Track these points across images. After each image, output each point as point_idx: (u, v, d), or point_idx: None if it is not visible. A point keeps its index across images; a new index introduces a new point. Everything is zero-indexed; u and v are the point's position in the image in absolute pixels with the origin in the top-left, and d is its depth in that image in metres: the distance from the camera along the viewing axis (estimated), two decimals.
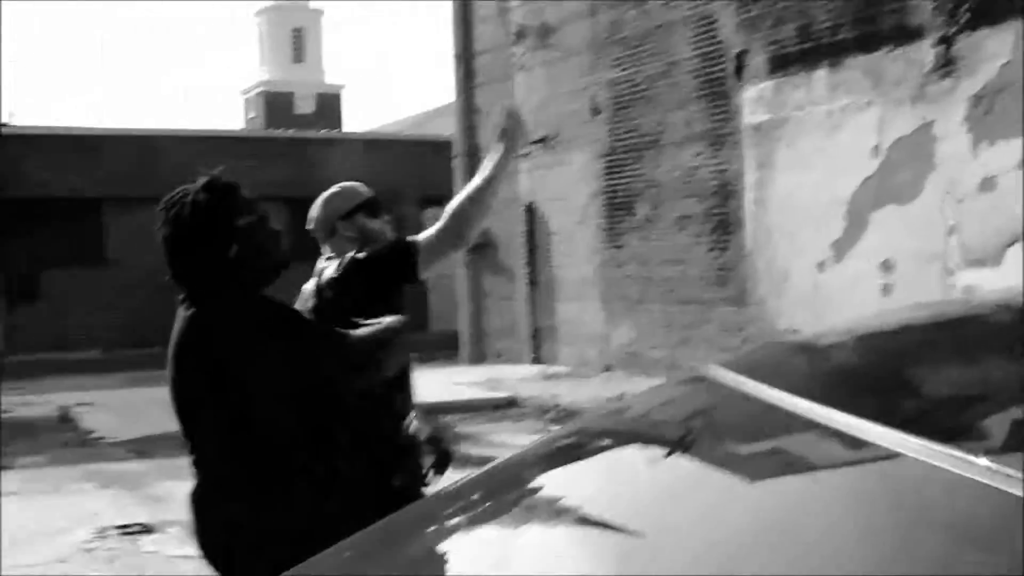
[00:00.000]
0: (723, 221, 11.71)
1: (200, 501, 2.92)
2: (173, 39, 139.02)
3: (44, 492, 7.90)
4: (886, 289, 9.70)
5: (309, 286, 3.91)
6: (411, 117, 40.40)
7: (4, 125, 23.15)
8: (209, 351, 2.83)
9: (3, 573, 5.88)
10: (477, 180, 3.88)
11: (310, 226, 4.04)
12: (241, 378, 2.80)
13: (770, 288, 11.04)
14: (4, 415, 12.03)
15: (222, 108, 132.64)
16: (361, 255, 3.77)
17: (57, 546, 6.47)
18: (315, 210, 4.05)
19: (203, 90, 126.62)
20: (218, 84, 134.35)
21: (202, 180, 2.93)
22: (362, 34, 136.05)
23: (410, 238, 3.75)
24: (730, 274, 11.60)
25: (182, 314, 2.91)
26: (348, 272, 3.72)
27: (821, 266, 10.36)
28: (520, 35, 15.26)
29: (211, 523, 2.89)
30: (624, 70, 13.17)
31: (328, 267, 3.92)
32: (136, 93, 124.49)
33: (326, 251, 4.02)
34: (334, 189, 4.07)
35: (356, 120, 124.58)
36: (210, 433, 2.88)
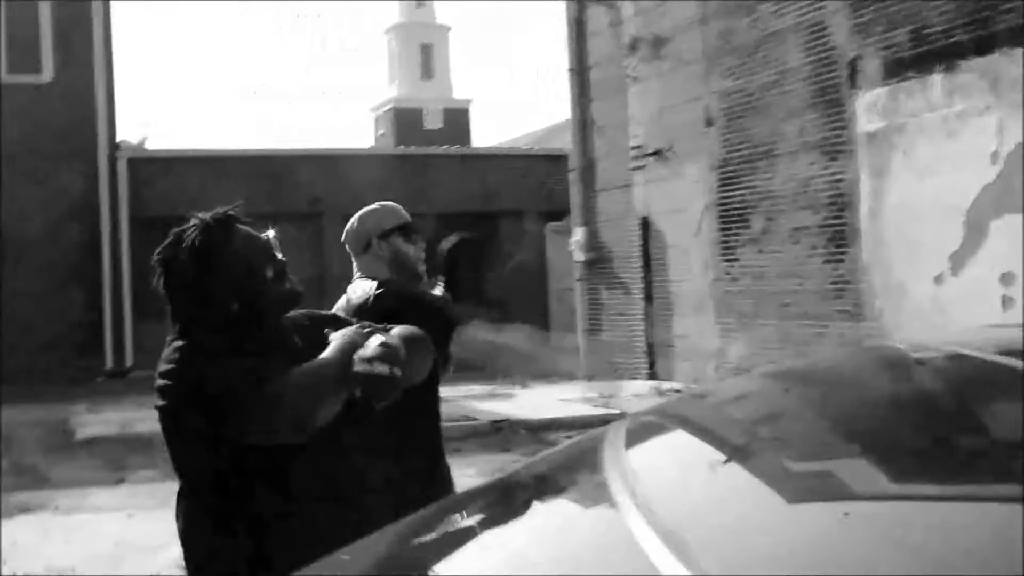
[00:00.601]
0: (839, 232, 11.39)
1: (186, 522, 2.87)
2: (305, 60, 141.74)
3: (151, 507, 8.07)
4: (1006, 302, 9.29)
5: (341, 303, 3.87)
6: (539, 131, 40.55)
7: (136, 146, 23.85)
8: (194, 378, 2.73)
9: None
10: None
11: (345, 239, 4.01)
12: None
13: (887, 301, 10.69)
14: (125, 430, 12.35)
15: (354, 126, 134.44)
16: (399, 294, 3.73)
17: (151, 563, 6.58)
18: (353, 223, 4.02)
19: (336, 109, 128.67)
20: (350, 103, 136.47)
21: (190, 226, 2.82)
22: (490, 49, 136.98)
23: (455, 317, 3.65)
24: (847, 287, 11.28)
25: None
26: (378, 307, 3.65)
27: (939, 278, 9.98)
28: (633, 47, 15.13)
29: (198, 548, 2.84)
30: (737, 79, 12.94)
31: (358, 290, 3.86)
32: (269, 115, 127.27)
33: (356, 268, 3.99)
34: (373, 206, 4.05)
35: (485, 135, 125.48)
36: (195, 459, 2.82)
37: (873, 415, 1.85)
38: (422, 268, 3.98)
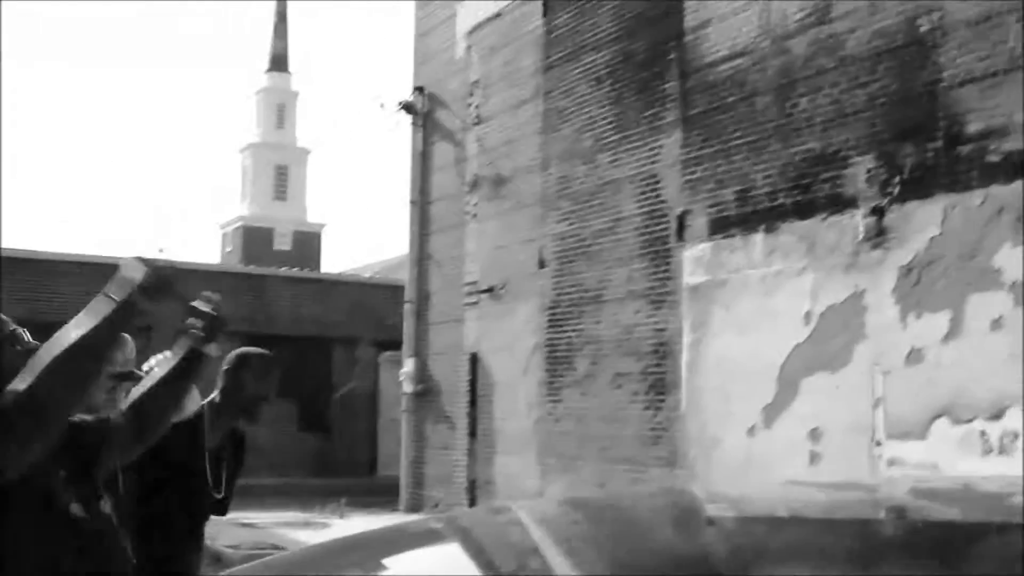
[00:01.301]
0: (659, 380, 11.56)
1: None
2: (151, 165, 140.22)
3: None
4: (814, 458, 9.51)
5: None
6: (391, 259, 40.56)
7: None
8: None
9: None
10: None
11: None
12: None
13: (700, 451, 10.83)
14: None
15: (200, 241, 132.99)
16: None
17: None
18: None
19: (182, 222, 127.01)
20: (197, 217, 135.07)
21: None
22: (350, 174, 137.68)
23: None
24: (663, 435, 11.41)
25: None
26: None
27: (751, 431, 10.18)
28: (475, 184, 15.32)
29: None
30: (571, 224, 13.17)
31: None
32: (110, 220, 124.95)
33: None
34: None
35: (335, 260, 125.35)
36: None
37: (641, 559, 1.83)
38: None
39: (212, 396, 4.55)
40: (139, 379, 3.71)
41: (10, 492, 2.47)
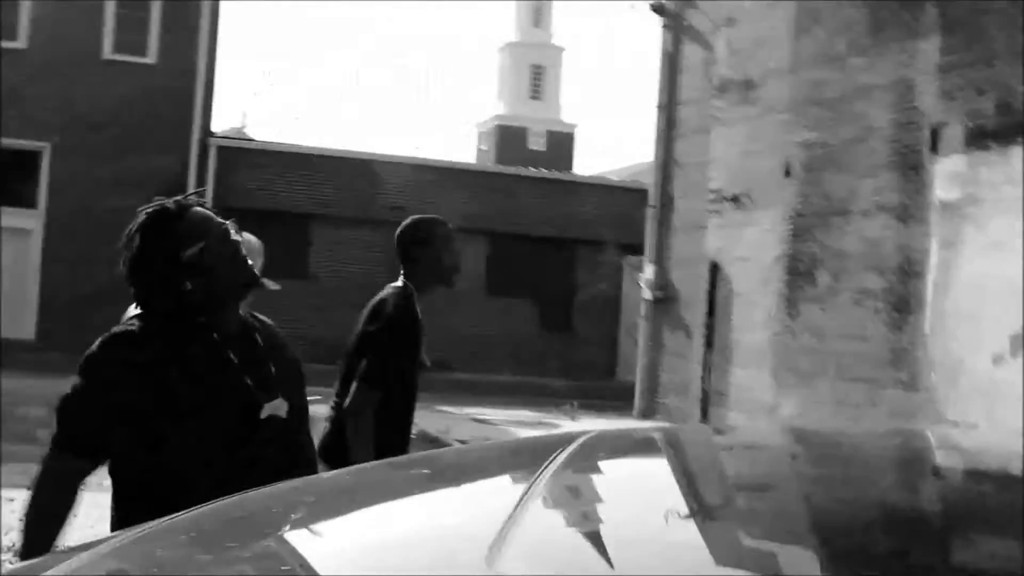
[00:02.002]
0: (903, 299, 11.06)
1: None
2: (411, 67, 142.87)
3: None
4: None
5: None
6: (644, 163, 40.22)
7: (228, 135, 24.19)
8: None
9: None
10: None
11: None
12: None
13: (943, 376, 10.34)
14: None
15: (457, 140, 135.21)
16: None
17: None
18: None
19: (438, 119, 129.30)
20: (455, 116, 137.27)
21: (146, 211, 2.89)
22: (604, 75, 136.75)
23: None
24: (905, 356, 10.94)
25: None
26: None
27: (998, 359, 9.62)
28: (723, 88, 14.91)
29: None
30: (819, 132, 12.66)
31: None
32: (369, 116, 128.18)
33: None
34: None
35: (587, 162, 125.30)
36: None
37: (861, 510, 1.74)
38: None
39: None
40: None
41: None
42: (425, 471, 2.17)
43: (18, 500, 8.00)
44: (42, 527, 2.79)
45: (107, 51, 22.62)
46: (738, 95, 14.51)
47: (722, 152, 14.75)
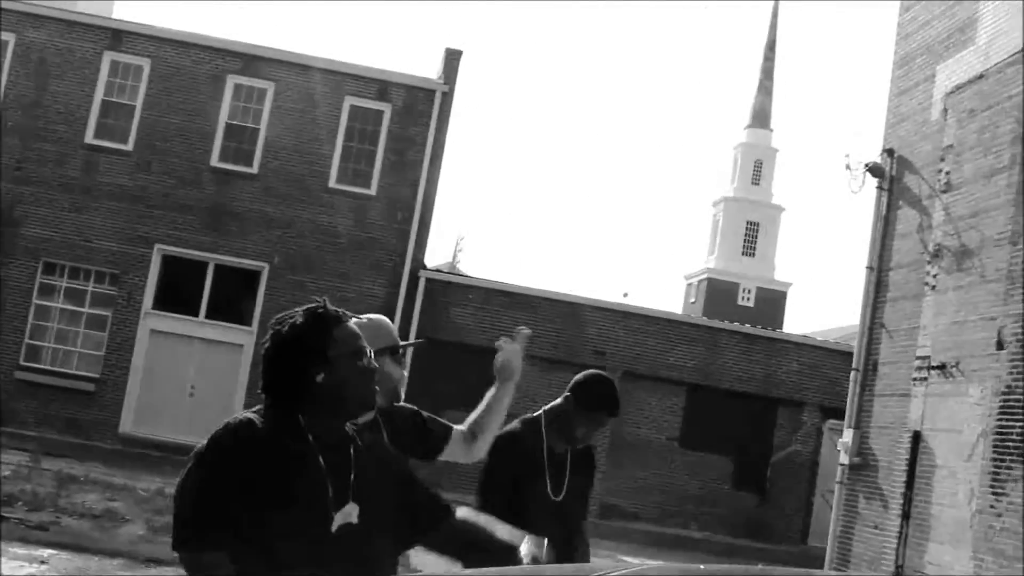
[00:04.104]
0: None
1: None
2: (623, 215, 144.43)
3: None
4: None
5: None
6: (852, 326, 39.33)
7: (439, 269, 24.86)
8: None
9: None
10: (482, 406, 4.53)
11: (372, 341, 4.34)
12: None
13: None
14: None
15: (664, 290, 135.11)
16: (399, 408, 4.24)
17: None
18: (389, 325, 4.45)
19: (647, 270, 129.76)
20: (663, 267, 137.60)
21: (308, 307, 3.06)
22: (814, 235, 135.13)
23: (447, 424, 4.12)
24: None
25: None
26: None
27: None
28: (936, 254, 14.52)
29: None
30: None
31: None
32: (578, 260, 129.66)
33: None
34: (367, 321, 4.30)
35: (796, 321, 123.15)
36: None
37: None
38: (401, 389, 4.44)
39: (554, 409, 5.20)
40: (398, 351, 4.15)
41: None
42: None
43: None
44: None
45: (333, 180, 23.77)
46: (953, 262, 14.10)
47: (932, 319, 14.31)
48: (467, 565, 3.32)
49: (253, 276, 23.42)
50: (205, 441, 2.96)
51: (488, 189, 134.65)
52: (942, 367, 13.75)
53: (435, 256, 26.69)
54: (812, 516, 23.11)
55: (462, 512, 3.40)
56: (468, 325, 23.24)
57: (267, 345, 3.08)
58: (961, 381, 13.35)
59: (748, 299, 58.43)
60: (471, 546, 3.32)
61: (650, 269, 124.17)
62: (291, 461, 2.94)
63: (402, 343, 4.43)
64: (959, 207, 14.20)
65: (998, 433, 12.37)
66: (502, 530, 3.53)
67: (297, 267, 22.99)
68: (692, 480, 23.02)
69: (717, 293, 58.51)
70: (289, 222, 23.22)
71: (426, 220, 23.96)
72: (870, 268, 16.34)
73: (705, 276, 60.84)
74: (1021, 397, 12.11)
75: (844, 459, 15.68)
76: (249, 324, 23.30)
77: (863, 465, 15.30)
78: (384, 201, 23.72)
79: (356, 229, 23.33)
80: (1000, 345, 12.67)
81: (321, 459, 2.98)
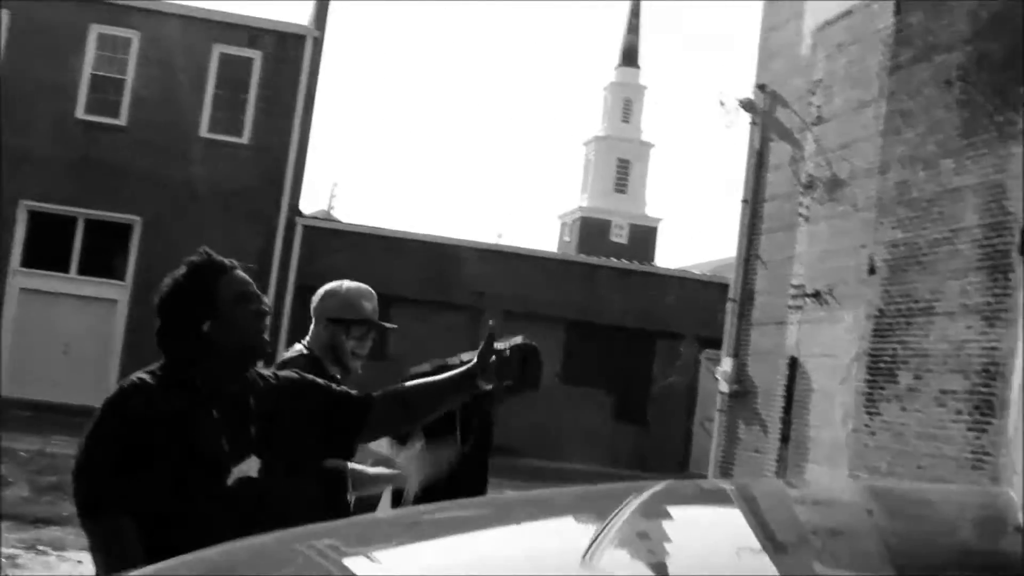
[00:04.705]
0: (987, 401, 10.91)
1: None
2: (497, 156, 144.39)
3: None
4: None
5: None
6: (725, 258, 40.21)
7: (315, 215, 24.65)
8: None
9: None
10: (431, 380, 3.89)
11: (312, 303, 4.27)
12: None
13: None
14: None
15: (539, 230, 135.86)
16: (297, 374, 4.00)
17: None
18: (319, 294, 4.32)
19: (521, 210, 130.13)
20: (537, 206, 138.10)
21: (199, 255, 3.03)
22: (685, 171, 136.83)
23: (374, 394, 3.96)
24: (987, 459, 10.76)
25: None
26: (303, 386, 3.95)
27: None
28: (809, 186, 14.95)
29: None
30: (906, 232, 12.63)
31: (290, 351, 4.20)
32: (452, 202, 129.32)
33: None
34: (342, 289, 4.24)
35: (669, 256, 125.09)
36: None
37: (941, 562, 1.74)
38: (354, 364, 4.25)
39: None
40: (382, 329, 4.06)
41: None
42: (499, 511, 2.20)
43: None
44: None
45: (204, 130, 23.32)
46: (824, 193, 14.54)
47: (805, 248, 14.76)
48: (408, 418, 3.41)
49: (125, 230, 22.91)
50: (100, 407, 2.94)
51: (361, 135, 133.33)
52: (816, 294, 14.21)
53: (310, 204, 26.44)
54: (692, 444, 23.74)
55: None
56: (346, 271, 23.09)
57: (161, 293, 3.06)
58: (835, 307, 13.83)
59: (621, 236, 59.08)
60: (402, 405, 3.34)
61: (524, 210, 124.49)
62: (182, 417, 2.90)
63: (361, 319, 4.26)
64: (830, 139, 14.62)
65: (871, 355, 12.88)
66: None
67: (171, 219, 22.50)
68: (575, 415, 23.38)
69: (590, 231, 59.02)
70: (160, 174, 22.68)
71: (300, 168, 23.70)
72: (745, 201, 16.73)
73: (578, 215, 61.27)
74: (892, 320, 12.62)
75: (724, 387, 16.14)
76: (123, 279, 22.82)
77: (742, 392, 15.78)
78: (257, 150, 23.37)
79: (230, 179, 22.94)
80: (871, 271, 13.15)
81: (215, 412, 2.95)
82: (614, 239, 58.73)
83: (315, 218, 25.41)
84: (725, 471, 15.88)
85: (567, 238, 62.19)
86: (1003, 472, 10.48)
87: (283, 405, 3.12)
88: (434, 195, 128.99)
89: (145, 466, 2.82)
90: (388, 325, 4.40)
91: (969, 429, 11.09)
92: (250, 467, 2.96)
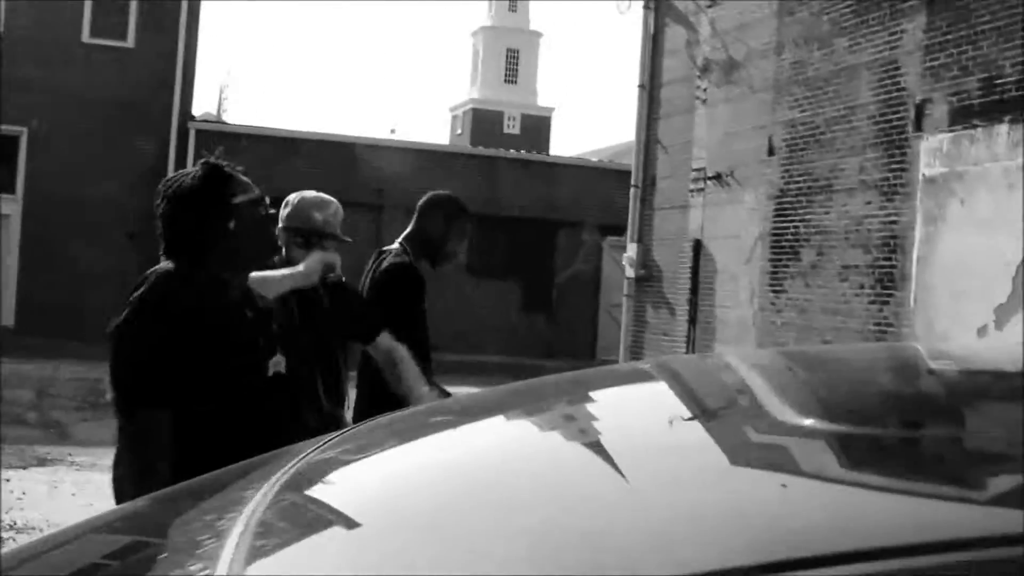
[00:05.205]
0: (888, 274, 11.23)
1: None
2: (385, 51, 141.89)
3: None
4: None
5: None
6: (621, 144, 40.40)
7: (207, 119, 24.15)
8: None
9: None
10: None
11: (284, 220, 4.24)
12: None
13: (928, 349, 10.49)
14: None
15: (430, 123, 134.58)
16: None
17: None
18: (284, 205, 4.33)
19: (412, 103, 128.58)
20: (427, 99, 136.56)
21: (201, 164, 3.07)
22: (581, 58, 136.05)
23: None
24: (889, 330, 11.11)
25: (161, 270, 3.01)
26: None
27: (982, 331, 9.80)
28: (706, 69, 15.03)
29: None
30: (803, 111, 12.81)
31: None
32: (343, 100, 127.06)
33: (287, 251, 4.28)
34: (307, 196, 4.26)
35: (564, 145, 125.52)
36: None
37: (861, 405, 1.83)
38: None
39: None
40: (332, 238, 4.10)
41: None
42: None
43: (13, 480, 8.09)
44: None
45: (86, 35, 22.52)
46: (721, 75, 14.64)
47: (705, 132, 14.89)
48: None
49: (11, 142, 22.11)
50: (132, 301, 2.94)
51: (250, 35, 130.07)
52: (718, 177, 14.39)
53: (199, 108, 25.80)
54: (599, 330, 24.07)
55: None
56: (245, 174, 22.74)
57: (164, 205, 3.06)
58: (736, 189, 14.03)
59: (514, 126, 59.02)
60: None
61: (415, 104, 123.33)
62: (224, 313, 2.96)
63: (308, 228, 4.33)
64: (725, 21, 14.68)
65: (774, 235, 13.13)
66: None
67: (58, 129, 21.79)
68: (484, 307, 23.51)
69: (482, 122, 58.80)
70: (43, 82, 21.89)
71: (190, 70, 23.08)
72: (642, 87, 16.76)
73: (469, 107, 60.98)
74: (793, 199, 12.85)
75: (630, 273, 16.32)
76: (12, 192, 22.13)
77: (648, 277, 15.99)
78: (143, 54, 22.65)
79: (116, 85, 22.23)
80: (771, 151, 13.34)
81: (248, 311, 3.03)
82: (507, 130, 58.60)
83: (208, 121, 24.85)
84: (635, 355, 16.15)
85: (459, 131, 61.85)
86: (905, 341, 10.83)
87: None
88: (324, 93, 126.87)
89: (186, 361, 2.84)
90: (342, 237, 4.38)
91: (872, 302, 11.42)
92: (279, 363, 3.06)
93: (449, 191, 5.33)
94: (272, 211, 3.31)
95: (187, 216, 3.05)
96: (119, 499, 2.88)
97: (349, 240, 4.49)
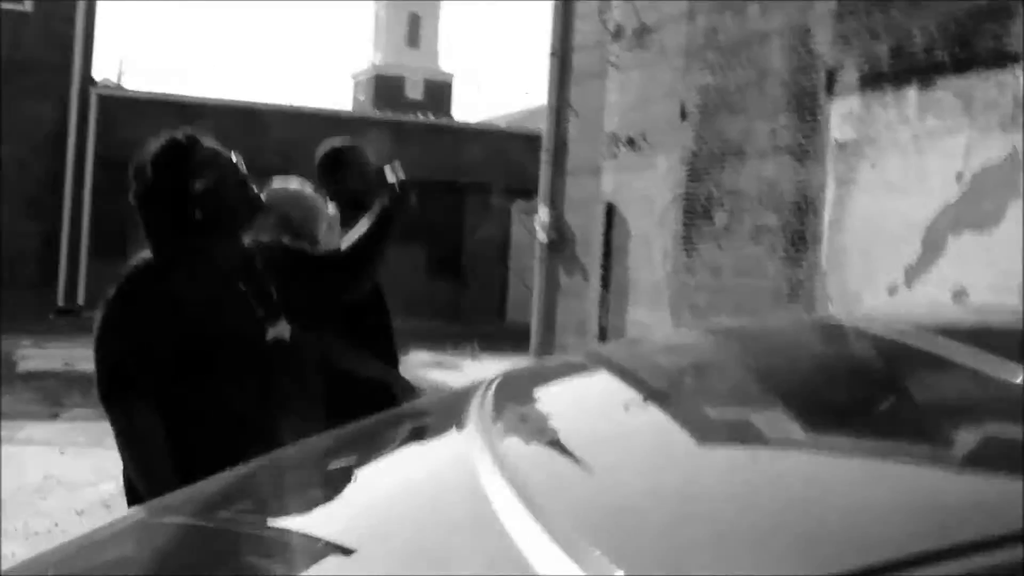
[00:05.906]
0: (800, 236, 11.45)
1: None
2: (284, 17, 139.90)
3: (83, 444, 8.02)
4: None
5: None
6: (525, 110, 40.37)
7: (110, 85, 23.61)
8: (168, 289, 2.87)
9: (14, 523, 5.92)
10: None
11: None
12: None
13: (841, 309, 10.75)
14: (67, 367, 12.26)
15: (331, 89, 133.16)
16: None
17: (77, 498, 6.54)
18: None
19: (312, 70, 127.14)
20: (328, 65, 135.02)
21: (160, 140, 2.99)
22: (482, 23, 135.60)
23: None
24: (802, 291, 11.35)
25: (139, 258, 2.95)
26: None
27: (893, 290, 10.07)
28: (617, 34, 15.11)
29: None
30: (715, 76, 12.96)
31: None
32: (244, 66, 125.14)
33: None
34: (285, 196, 4.29)
35: (467, 110, 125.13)
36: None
37: (797, 376, 1.87)
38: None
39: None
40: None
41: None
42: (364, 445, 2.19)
43: None
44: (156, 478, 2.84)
45: None
46: (633, 40, 14.73)
47: (617, 97, 14.98)
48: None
49: None
50: (111, 292, 2.88)
51: (150, 2, 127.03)
52: (630, 141, 14.50)
53: (100, 75, 25.17)
54: (508, 295, 24.17)
55: None
56: (147, 140, 22.32)
57: (135, 188, 2.99)
58: (649, 153, 14.16)
59: (416, 92, 58.68)
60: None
61: (315, 70, 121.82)
62: (215, 302, 2.90)
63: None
64: None
65: (687, 198, 13.29)
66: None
67: None
68: (392, 273, 23.37)
69: (385, 88, 58.27)
70: None
71: (90, 34, 22.50)
72: (553, 52, 16.79)
73: (371, 72, 60.43)
74: (705, 163, 13.01)
75: (542, 236, 16.40)
76: None
77: (560, 241, 16.08)
78: (42, 17, 22.02)
79: (13, 49, 21.60)
80: (683, 116, 13.48)
81: (241, 285, 2.97)
82: (409, 95, 58.20)
83: (109, 87, 24.29)
84: (547, 319, 16.26)
85: (361, 97, 61.28)
86: (818, 302, 11.08)
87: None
88: (225, 61, 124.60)
89: (174, 351, 2.79)
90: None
91: (784, 263, 11.64)
92: (282, 330, 3.01)
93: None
94: (244, 175, 3.26)
95: (157, 196, 2.98)
96: (131, 501, 2.85)
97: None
